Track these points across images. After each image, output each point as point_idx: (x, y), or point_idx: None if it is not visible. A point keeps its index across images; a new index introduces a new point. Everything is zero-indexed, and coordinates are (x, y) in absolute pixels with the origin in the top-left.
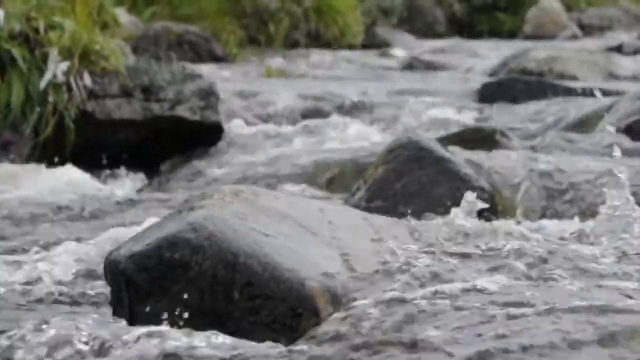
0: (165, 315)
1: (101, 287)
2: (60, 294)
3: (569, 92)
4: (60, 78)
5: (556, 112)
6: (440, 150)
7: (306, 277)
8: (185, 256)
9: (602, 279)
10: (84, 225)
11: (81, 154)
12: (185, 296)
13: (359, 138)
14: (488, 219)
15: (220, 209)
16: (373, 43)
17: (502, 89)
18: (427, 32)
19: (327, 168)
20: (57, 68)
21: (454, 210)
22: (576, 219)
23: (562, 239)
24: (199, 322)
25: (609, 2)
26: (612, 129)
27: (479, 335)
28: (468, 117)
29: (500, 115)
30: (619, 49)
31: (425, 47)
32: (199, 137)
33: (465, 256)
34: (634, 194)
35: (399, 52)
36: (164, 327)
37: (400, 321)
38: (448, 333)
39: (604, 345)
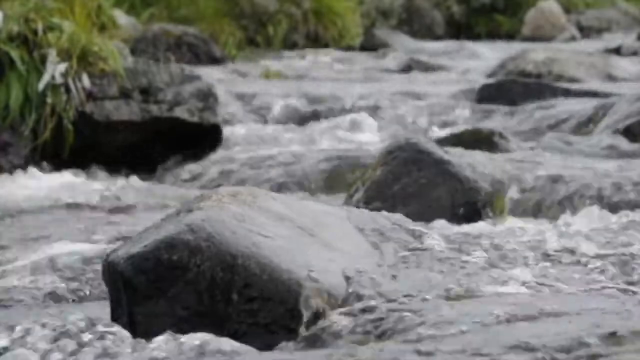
0: (163, 317)
1: (99, 289)
2: (58, 296)
3: (568, 93)
4: (59, 80)
5: (554, 114)
6: (438, 152)
7: (304, 279)
8: (183, 258)
9: (600, 281)
10: (83, 227)
11: (80, 156)
12: (184, 298)
13: (358, 139)
14: (487, 221)
15: (219, 211)
16: (372, 45)
17: (500, 91)
18: (425, 33)
19: (325, 169)
20: (55, 70)
21: (453, 212)
22: (575, 220)
23: (561, 240)
24: (197, 323)
25: (608, 4)
26: (610, 130)
27: (475, 338)
28: (466, 119)
29: (499, 117)
30: (617, 51)
31: (424, 49)
32: (197, 138)
33: (465, 257)
34: (632, 195)
35: (394, 53)
36: (163, 329)
37: (399, 321)
38: (445, 334)
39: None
